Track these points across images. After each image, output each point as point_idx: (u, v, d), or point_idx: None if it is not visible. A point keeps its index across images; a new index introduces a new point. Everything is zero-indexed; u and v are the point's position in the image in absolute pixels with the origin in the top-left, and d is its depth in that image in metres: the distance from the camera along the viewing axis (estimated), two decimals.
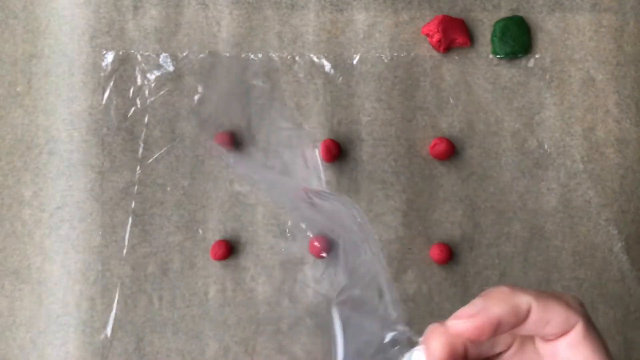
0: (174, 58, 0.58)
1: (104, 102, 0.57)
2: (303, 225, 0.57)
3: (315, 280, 0.57)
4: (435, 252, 0.56)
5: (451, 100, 0.57)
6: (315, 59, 0.58)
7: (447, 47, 0.57)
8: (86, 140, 0.57)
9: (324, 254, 0.56)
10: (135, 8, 0.58)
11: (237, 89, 0.58)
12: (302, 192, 0.49)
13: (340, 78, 0.57)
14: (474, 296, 0.57)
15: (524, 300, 0.34)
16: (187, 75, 0.57)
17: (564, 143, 0.57)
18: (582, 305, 0.36)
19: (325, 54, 0.58)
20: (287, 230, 0.57)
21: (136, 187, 0.57)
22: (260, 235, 0.57)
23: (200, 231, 0.57)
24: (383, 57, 0.58)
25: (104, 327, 0.56)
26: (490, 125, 0.57)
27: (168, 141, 0.57)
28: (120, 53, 0.58)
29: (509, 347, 0.37)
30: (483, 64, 0.58)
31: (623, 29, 0.58)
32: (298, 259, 0.57)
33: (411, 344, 0.37)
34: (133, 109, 0.57)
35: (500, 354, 0.37)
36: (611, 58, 0.58)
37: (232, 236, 0.57)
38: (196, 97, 0.57)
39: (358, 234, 0.44)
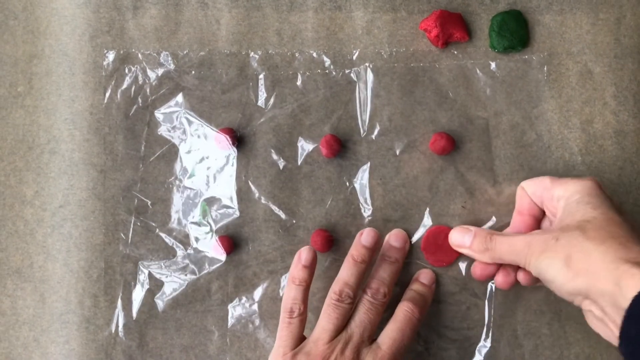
0: (175, 56, 0.58)
1: (105, 101, 0.58)
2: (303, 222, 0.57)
3: (316, 274, 0.57)
4: None
5: (450, 94, 0.58)
6: (315, 55, 0.58)
7: (445, 42, 0.57)
8: (88, 140, 0.57)
9: (324, 249, 0.56)
10: (135, 8, 0.58)
11: (237, 85, 0.58)
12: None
13: (340, 74, 0.58)
14: (472, 291, 0.57)
15: None
16: (188, 73, 0.58)
17: (562, 136, 0.58)
18: None
19: (325, 50, 0.58)
20: (288, 225, 0.57)
21: (138, 185, 0.57)
22: (261, 231, 0.57)
23: (203, 228, 0.57)
24: (382, 53, 0.58)
25: (108, 324, 0.57)
26: (489, 119, 0.58)
27: (170, 139, 0.58)
28: (121, 52, 0.58)
29: None
30: (481, 58, 0.58)
31: (620, 21, 0.58)
32: None
33: None
34: (134, 107, 0.58)
35: None
36: (609, 51, 0.58)
37: (235, 232, 0.57)
38: (198, 95, 0.58)
39: None
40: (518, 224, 0.55)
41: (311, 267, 0.54)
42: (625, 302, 0.41)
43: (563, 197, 0.51)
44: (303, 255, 0.54)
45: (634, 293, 0.41)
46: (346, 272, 0.54)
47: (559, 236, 0.47)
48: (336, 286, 0.53)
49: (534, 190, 0.54)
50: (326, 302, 0.53)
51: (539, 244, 0.48)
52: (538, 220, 0.55)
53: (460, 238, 0.55)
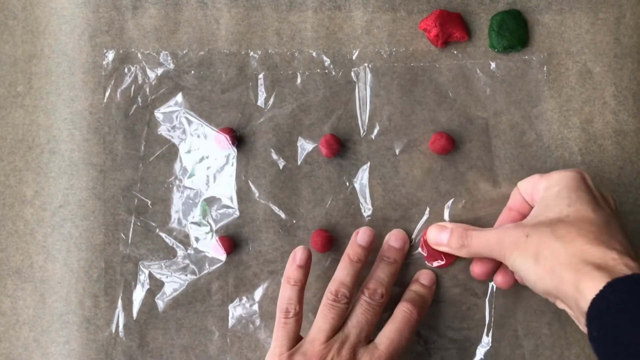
0: (174, 56, 0.58)
1: (105, 100, 0.58)
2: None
3: (316, 274, 0.57)
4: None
5: (450, 94, 0.58)
6: (314, 55, 0.58)
7: (444, 41, 0.57)
8: (87, 139, 0.57)
9: (324, 249, 0.56)
10: (135, 7, 0.58)
11: (237, 85, 0.58)
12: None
13: (339, 74, 0.58)
14: (473, 291, 0.57)
15: None
16: (188, 72, 0.58)
17: (562, 135, 0.58)
18: None
19: (324, 50, 0.58)
20: (288, 225, 0.57)
21: (138, 185, 0.57)
22: (261, 231, 0.57)
23: (203, 228, 0.57)
24: (382, 53, 0.58)
25: (108, 324, 0.57)
26: (489, 118, 0.58)
27: (169, 139, 0.58)
28: (121, 52, 0.58)
29: None
30: (481, 57, 0.58)
31: (620, 21, 0.58)
32: None
33: None
34: (134, 107, 0.58)
35: None
36: (608, 50, 0.58)
37: (235, 232, 0.57)
38: (197, 94, 0.58)
39: None
40: (505, 218, 0.55)
41: (306, 267, 0.54)
42: (586, 305, 0.42)
43: (545, 187, 0.51)
44: (298, 255, 0.54)
45: (592, 296, 0.41)
46: (342, 272, 0.54)
47: (529, 232, 0.47)
48: (332, 286, 0.53)
49: (525, 188, 0.54)
50: (322, 302, 0.53)
51: (510, 239, 0.48)
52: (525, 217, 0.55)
53: (437, 236, 0.55)
